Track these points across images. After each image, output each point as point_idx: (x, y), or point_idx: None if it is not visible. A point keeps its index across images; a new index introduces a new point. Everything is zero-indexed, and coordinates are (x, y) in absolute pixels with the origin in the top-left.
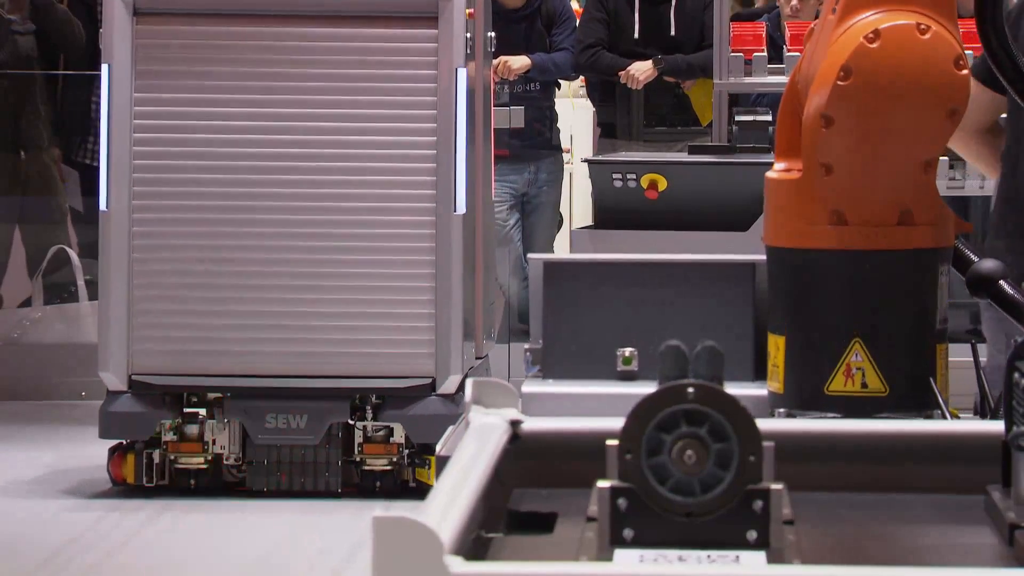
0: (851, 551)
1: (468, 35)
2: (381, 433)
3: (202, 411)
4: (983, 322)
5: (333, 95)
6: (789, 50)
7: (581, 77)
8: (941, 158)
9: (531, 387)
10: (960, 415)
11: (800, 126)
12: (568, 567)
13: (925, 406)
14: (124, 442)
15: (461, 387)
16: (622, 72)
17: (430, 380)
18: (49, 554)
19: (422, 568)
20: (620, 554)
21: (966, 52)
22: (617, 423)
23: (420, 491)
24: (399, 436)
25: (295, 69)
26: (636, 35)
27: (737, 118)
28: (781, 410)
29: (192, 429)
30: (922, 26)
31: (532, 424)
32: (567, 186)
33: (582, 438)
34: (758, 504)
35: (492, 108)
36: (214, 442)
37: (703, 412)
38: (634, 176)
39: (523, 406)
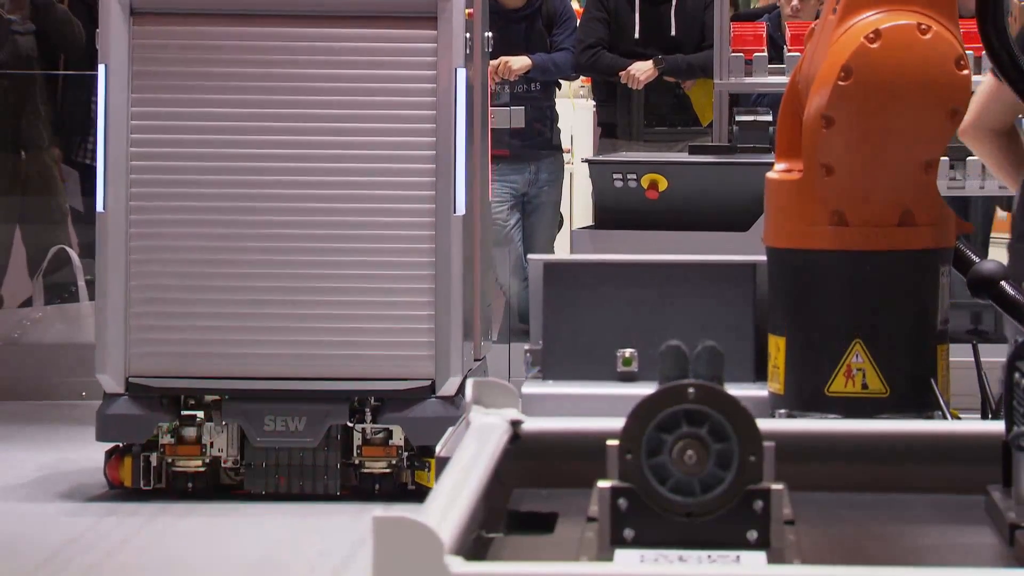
0: (851, 551)
1: (467, 35)
2: (380, 435)
3: (200, 414)
4: (1006, 323)
5: (331, 95)
6: (789, 50)
7: (583, 77)
8: (942, 158)
9: (531, 388)
10: (961, 416)
11: (801, 126)
12: (568, 567)
13: (926, 407)
14: (120, 445)
15: (461, 389)
16: (622, 72)
17: (429, 382)
18: (49, 554)
19: (422, 568)
20: (620, 554)
21: (967, 52)
22: (617, 423)
23: (419, 494)
24: (398, 438)
25: (293, 70)
26: (636, 35)
27: (737, 118)
28: (782, 411)
29: (190, 432)
30: (923, 26)
31: (532, 424)
32: (567, 186)
33: (582, 438)
34: (758, 504)
35: (489, 108)
36: (212, 445)
37: (703, 412)
38: (634, 176)
39: (523, 407)
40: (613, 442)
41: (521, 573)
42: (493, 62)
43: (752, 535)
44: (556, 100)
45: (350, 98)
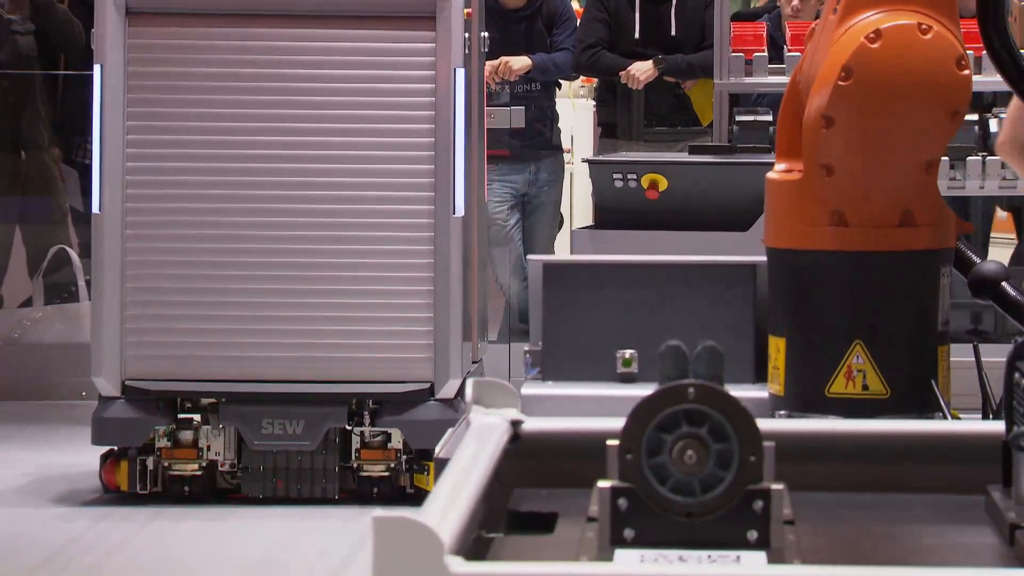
0: (851, 551)
1: (466, 35)
2: (379, 439)
3: (197, 417)
4: None
5: (328, 96)
6: (790, 50)
7: (584, 77)
8: (942, 158)
9: (530, 389)
10: (961, 416)
11: (801, 126)
12: (568, 567)
13: (926, 408)
14: (116, 448)
15: (460, 392)
16: (622, 72)
17: (428, 385)
18: (49, 554)
19: (422, 568)
20: (620, 554)
21: (968, 52)
22: (617, 423)
23: (418, 497)
24: (397, 441)
25: (290, 70)
26: (637, 35)
27: (737, 118)
28: (782, 412)
29: (186, 435)
30: (923, 26)
31: (532, 424)
32: (567, 186)
33: (582, 438)
34: (758, 504)
35: (485, 108)
36: (209, 448)
37: (703, 412)
38: (634, 176)
39: (522, 409)
40: (613, 442)
41: (521, 573)
42: (493, 62)
43: (752, 535)
44: (556, 100)
45: (347, 99)
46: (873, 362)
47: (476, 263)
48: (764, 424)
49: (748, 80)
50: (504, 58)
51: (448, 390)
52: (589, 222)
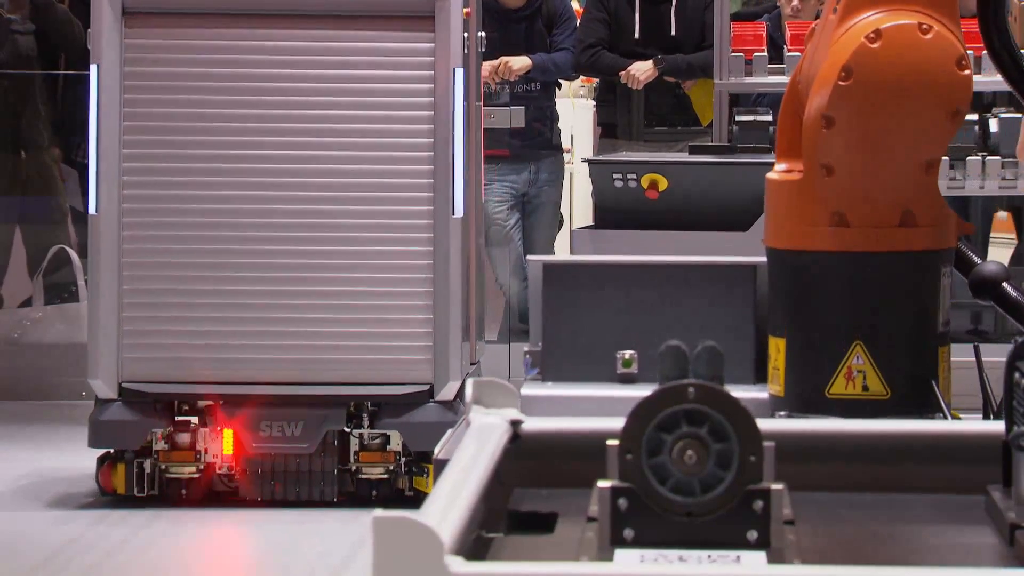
0: (851, 551)
1: (465, 35)
2: (377, 441)
3: (194, 419)
4: None
5: (327, 96)
6: (790, 50)
7: (585, 77)
8: (942, 158)
9: (530, 390)
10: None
11: (801, 126)
12: (568, 567)
13: (927, 409)
14: (113, 451)
15: (459, 393)
16: (622, 72)
17: (428, 387)
18: (49, 554)
19: (422, 568)
20: (620, 554)
21: (968, 52)
22: (617, 423)
23: (417, 500)
24: (396, 444)
25: (288, 70)
26: (636, 35)
27: (737, 118)
28: (782, 413)
29: (184, 438)
30: (924, 26)
31: (532, 424)
32: (567, 186)
33: (582, 438)
34: (758, 504)
35: (483, 108)
36: (206, 451)
37: (703, 412)
38: (634, 176)
39: (522, 410)
40: (613, 442)
41: (521, 573)
42: (493, 62)
43: (752, 535)
44: (556, 100)
45: (345, 99)
46: (873, 363)
47: (475, 264)
48: (764, 424)
49: (748, 80)
50: (504, 58)
51: (447, 392)
52: (589, 222)
